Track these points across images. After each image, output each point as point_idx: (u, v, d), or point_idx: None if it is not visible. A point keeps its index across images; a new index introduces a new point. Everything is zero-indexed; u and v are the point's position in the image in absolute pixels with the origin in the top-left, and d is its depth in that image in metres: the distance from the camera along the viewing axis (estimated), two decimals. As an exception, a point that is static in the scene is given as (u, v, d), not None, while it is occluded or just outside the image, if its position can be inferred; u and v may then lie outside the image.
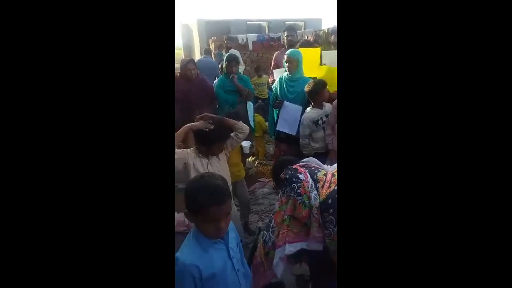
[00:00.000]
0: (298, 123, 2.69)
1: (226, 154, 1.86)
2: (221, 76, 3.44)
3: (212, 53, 6.25)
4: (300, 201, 1.43)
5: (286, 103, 2.82)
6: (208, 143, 1.70)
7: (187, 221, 2.60)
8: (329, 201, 1.41)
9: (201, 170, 1.67)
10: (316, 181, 1.49)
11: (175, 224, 2.57)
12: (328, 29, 5.39)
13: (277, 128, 2.91)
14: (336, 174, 1.50)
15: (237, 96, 3.19)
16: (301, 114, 2.67)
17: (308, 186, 1.44)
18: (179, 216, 2.62)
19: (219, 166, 1.77)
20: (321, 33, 5.43)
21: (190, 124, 1.72)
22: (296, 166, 1.57)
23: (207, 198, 1.00)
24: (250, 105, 3.26)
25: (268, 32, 7.58)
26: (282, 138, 2.95)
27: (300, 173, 1.49)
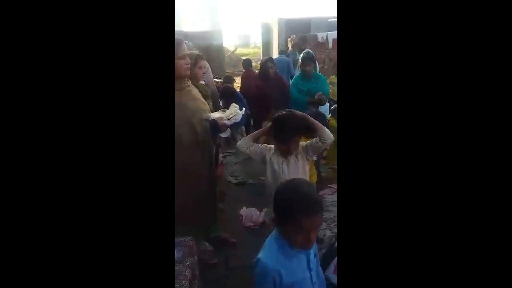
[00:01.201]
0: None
1: (307, 159, 1.69)
2: (296, 75, 3.41)
3: (288, 52, 6.25)
4: None
5: None
6: (284, 137, 1.59)
7: (254, 217, 2.65)
8: None
9: (276, 168, 1.63)
10: None
11: (243, 218, 2.65)
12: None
13: None
14: None
15: (307, 97, 3.11)
16: None
17: None
18: (247, 211, 2.69)
19: (296, 169, 1.63)
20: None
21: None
22: None
23: (301, 208, 0.95)
24: (322, 108, 3.12)
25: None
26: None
27: None
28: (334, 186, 3.40)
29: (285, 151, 1.61)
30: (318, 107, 3.00)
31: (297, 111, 1.69)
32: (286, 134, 1.57)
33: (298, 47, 4.97)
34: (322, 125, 1.64)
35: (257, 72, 5.05)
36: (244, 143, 1.66)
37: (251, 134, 1.71)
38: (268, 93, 3.09)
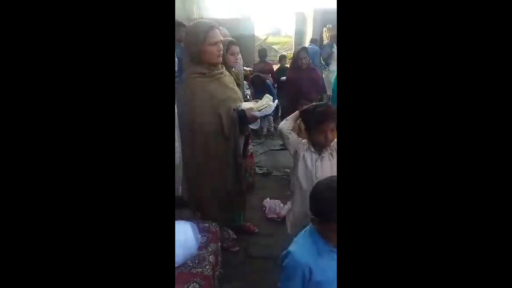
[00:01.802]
0: None
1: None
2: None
3: (324, 43, 6.05)
4: None
5: None
6: (315, 122, 1.51)
7: (277, 209, 2.65)
8: None
9: (309, 165, 1.56)
10: None
11: (267, 210, 2.66)
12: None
13: None
14: None
15: None
16: None
17: None
18: (271, 203, 2.69)
19: (330, 166, 1.57)
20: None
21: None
22: None
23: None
24: None
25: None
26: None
27: None
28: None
29: (320, 143, 1.54)
30: None
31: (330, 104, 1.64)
32: (321, 123, 1.50)
33: (331, 38, 4.73)
34: None
35: (272, 63, 4.93)
36: (286, 126, 1.60)
37: (291, 116, 1.63)
38: (299, 83, 3.03)
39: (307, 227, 1.06)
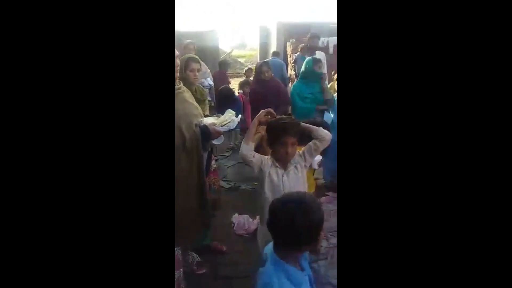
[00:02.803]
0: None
1: (305, 166, 1.62)
2: (297, 81, 3.33)
3: (289, 56, 6.16)
4: None
5: None
6: (277, 135, 1.50)
7: (246, 224, 2.59)
8: None
9: (275, 180, 1.54)
10: None
11: (235, 226, 2.59)
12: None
13: None
14: None
15: (314, 105, 3.05)
16: None
17: None
18: (239, 218, 2.62)
19: (296, 181, 1.55)
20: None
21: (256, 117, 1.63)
22: None
23: (298, 241, 0.92)
24: (328, 116, 3.05)
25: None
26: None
27: None
28: (333, 194, 3.34)
29: (282, 157, 1.53)
30: (323, 114, 2.94)
31: (295, 118, 1.64)
32: (282, 138, 1.49)
33: (308, 50, 4.61)
34: (315, 126, 1.57)
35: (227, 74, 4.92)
36: (247, 151, 1.56)
37: (248, 136, 1.60)
38: (263, 97, 3.03)
39: (270, 243, 1.03)
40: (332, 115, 2.95)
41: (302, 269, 1.02)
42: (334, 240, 1.97)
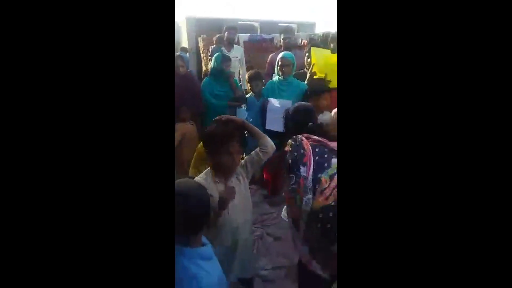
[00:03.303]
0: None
1: (247, 178, 1.45)
2: (207, 78, 3.15)
3: (201, 52, 5.96)
4: (292, 197, 1.22)
5: (271, 99, 2.58)
6: (217, 144, 1.32)
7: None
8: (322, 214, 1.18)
9: (217, 197, 1.30)
10: (317, 181, 1.20)
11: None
12: (323, 33, 5.23)
13: (266, 127, 2.55)
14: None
15: (225, 101, 2.93)
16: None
17: (305, 185, 1.19)
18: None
19: (240, 196, 1.36)
20: (316, 37, 5.26)
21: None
22: (307, 142, 1.24)
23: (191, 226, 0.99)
24: (242, 112, 2.96)
25: (260, 33, 7.32)
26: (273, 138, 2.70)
27: (305, 163, 1.20)
28: (253, 187, 3.28)
29: (223, 169, 1.33)
30: (235, 111, 2.82)
31: (234, 117, 1.45)
32: (220, 146, 1.29)
33: (227, 42, 4.17)
34: (262, 133, 1.43)
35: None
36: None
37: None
38: (178, 92, 2.78)
39: None
40: (246, 113, 2.88)
41: (203, 244, 1.07)
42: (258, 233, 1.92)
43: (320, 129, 1.52)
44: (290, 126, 1.65)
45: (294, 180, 1.21)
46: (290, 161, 1.24)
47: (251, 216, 1.58)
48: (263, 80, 2.94)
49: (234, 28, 3.95)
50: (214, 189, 1.34)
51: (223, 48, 3.68)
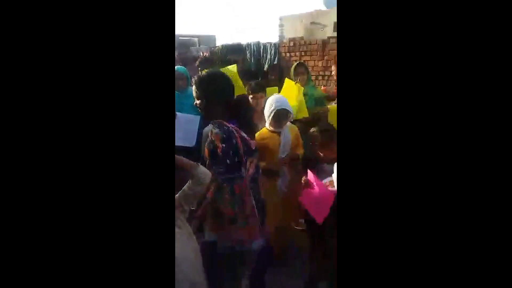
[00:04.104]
0: (196, 134, 2.40)
1: (186, 218, 1.27)
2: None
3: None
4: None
5: (179, 114, 2.60)
6: None
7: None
8: None
9: None
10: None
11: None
12: (222, 45, 5.47)
13: (176, 144, 2.56)
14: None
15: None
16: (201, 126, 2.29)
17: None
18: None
19: (181, 237, 1.18)
20: (216, 50, 5.47)
21: None
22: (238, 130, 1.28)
23: None
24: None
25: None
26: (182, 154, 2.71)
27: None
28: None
29: None
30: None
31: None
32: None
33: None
34: (194, 164, 1.26)
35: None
36: None
37: None
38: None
39: None
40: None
41: None
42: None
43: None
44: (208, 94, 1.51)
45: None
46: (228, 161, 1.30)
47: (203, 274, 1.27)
48: None
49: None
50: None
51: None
